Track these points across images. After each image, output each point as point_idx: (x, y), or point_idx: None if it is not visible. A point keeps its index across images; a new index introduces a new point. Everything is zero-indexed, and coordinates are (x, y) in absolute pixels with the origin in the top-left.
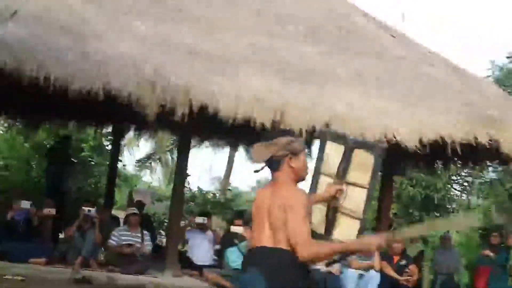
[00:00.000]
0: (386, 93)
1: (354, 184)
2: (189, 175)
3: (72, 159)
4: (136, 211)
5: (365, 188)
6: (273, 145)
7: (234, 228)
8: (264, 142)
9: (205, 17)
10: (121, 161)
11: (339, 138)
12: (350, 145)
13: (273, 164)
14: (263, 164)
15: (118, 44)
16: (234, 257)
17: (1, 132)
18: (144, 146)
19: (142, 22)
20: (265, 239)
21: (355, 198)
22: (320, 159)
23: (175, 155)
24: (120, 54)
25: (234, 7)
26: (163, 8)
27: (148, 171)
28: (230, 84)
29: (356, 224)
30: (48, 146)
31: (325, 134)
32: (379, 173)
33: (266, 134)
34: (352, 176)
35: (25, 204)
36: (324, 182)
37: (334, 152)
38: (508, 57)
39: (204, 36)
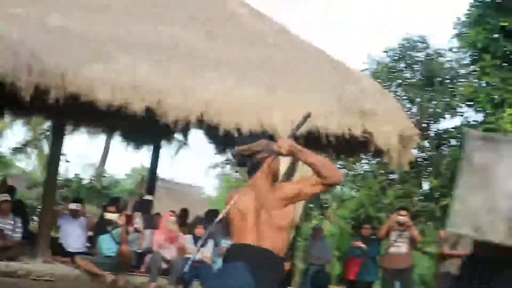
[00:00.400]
0: (261, 82)
1: None
2: (68, 161)
3: None
4: (7, 197)
5: None
6: (257, 146)
7: (108, 215)
8: (244, 144)
9: (81, 1)
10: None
11: None
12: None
13: (253, 165)
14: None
15: None
16: (107, 244)
17: None
18: (19, 131)
19: (19, 4)
20: (250, 238)
21: None
22: None
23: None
24: None
25: None
26: None
27: (23, 156)
28: (107, 69)
29: None
30: None
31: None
32: None
33: (243, 138)
34: None
35: None
36: None
37: None
38: (385, 52)
39: (80, 20)
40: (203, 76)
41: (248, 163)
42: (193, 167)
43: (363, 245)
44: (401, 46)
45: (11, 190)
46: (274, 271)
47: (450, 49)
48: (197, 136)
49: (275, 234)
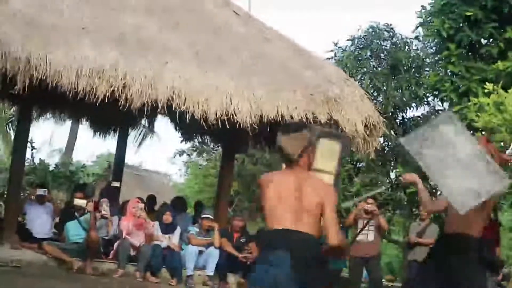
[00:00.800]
0: (225, 70)
1: (321, 171)
2: (35, 148)
3: None
4: None
5: (331, 174)
6: (302, 138)
7: (77, 201)
8: (289, 134)
9: None
10: None
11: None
12: (316, 134)
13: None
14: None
15: None
16: (74, 230)
17: None
18: None
19: None
20: (289, 223)
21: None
22: None
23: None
24: None
25: None
26: None
27: None
28: (71, 55)
29: None
30: None
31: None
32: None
33: (286, 126)
34: (319, 163)
35: None
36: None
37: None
38: (349, 40)
39: (41, 5)
40: (167, 63)
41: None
42: (159, 154)
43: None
44: (366, 34)
45: None
46: (314, 256)
47: (416, 38)
48: (163, 123)
49: (313, 219)
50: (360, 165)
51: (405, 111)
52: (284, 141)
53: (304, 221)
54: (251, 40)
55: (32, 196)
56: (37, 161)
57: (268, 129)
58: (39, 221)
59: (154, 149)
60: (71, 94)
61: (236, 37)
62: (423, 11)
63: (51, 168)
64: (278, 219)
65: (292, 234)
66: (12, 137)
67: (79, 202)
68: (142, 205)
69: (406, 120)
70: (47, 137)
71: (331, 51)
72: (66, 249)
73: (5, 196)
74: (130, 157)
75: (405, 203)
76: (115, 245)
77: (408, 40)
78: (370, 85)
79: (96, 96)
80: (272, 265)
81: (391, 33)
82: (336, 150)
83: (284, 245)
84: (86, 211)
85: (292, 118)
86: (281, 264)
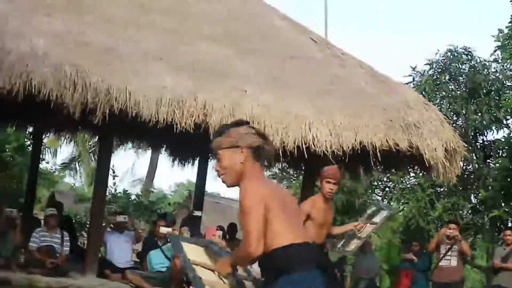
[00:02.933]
0: (303, 96)
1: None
2: (117, 176)
3: None
4: (54, 212)
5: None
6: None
7: (162, 229)
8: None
9: (120, 17)
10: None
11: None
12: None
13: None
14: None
15: (36, 42)
16: (157, 259)
17: None
18: (66, 147)
19: (58, 21)
20: (304, 236)
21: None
22: None
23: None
24: (39, 53)
25: (146, 7)
26: (77, 7)
27: (71, 172)
28: (149, 85)
29: None
30: None
31: None
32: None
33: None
34: None
35: None
36: None
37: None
38: (427, 64)
39: (118, 35)
40: (246, 92)
41: None
42: None
43: (413, 257)
44: (444, 58)
45: (58, 205)
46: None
47: (495, 60)
48: None
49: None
50: (442, 189)
51: (485, 134)
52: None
53: (305, 232)
54: (328, 65)
55: (111, 225)
56: (119, 190)
57: (348, 157)
58: (119, 250)
59: None
60: (151, 124)
61: (313, 63)
62: (500, 34)
63: (132, 198)
64: (294, 232)
65: (314, 248)
66: (93, 167)
67: (165, 230)
68: (220, 233)
69: (487, 143)
70: (129, 166)
71: (409, 75)
72: (149, 277)
73: (87, 226)
74: (210, 186)
75: (487, 227)
76: None
77: (487, 63)
78: (449, 109)
79: (176, 126)
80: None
81: (469, 56)
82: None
83: (315, 261)
84: (169, 239)
85: (371, 144)
86: (318, 283)
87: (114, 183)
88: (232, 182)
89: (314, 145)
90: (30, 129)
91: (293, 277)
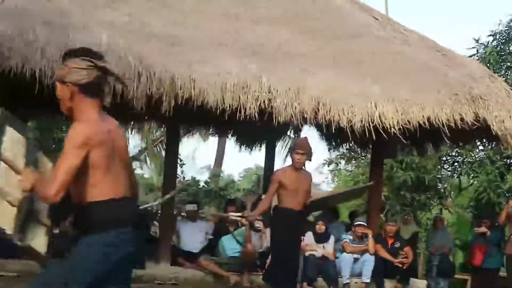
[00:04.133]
0: (367, 75)
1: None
2: (184, 164)
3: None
4: None
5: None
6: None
7: (232, 215)
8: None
9: (180, 5)
10: None
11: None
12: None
13: None
14: None
15: (100, 35)
16: (230, 244)
17: None
18: (133, 139)
19: (120, 12)
20: (128, 188)
21: (12, 181)
22: None
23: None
24: (103, 45)
25: None
26: None
27: (139, 163)
28: (215, 72)
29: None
30: None
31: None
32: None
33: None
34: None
35: None
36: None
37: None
38: (490, 35)
39: (181, 24)
40: (310, 73)
41: None
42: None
43: (485, 230)
44: (507, 28)
45: None
46: None
47: None
48: (309, 132)
49: None
50: (511, 161)
51: None
52: None
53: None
54: (391, 42)
55: (183, 213)
56: (187, 178)
57: (415, 133)
58: (192, 238)
59: None
60: (217, 110)
61: (376, 41)
62: None
63: (201, 185)
64: (116, 185)
65: (132, 204)
66: (162, 157)
67: (234, 215)
68: None
69: None
70: (191, 153)
71: (473, 48)
72: (222, 263)
73: (158, 215)
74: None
75: None
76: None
77: None
78: None
79: (242, 111)
80: None
81: None
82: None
83: (130, 219)
84: (240, 224)
85: (438, 119)
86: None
87: (182, 171)
88: (69, 115)
89: (381, 123)
90: None
91: (101, 237)
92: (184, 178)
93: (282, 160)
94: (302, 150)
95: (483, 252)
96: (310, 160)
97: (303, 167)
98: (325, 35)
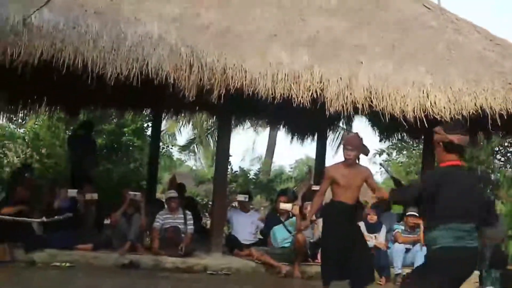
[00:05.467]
0: (420, 64)
1: None
2: (231, 156)
3: (95, 144)
4: (175, 194)
5: None
6: None
7: (282, 205)
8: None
9: None
10: (166, 145)
11: None
12: None
13: None
14: None
15: (151, 26)
16: (281, 234)
17: (43, 120)
18: (185, 130)
19: (172, 4)
20: None
21: None
22: None
23: (216, 137)
24: (155, 37)
25: None
26: None
27: (191, 154)
28: (266, 62)
29: None
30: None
31: None
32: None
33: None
34: None
35: (72, 193)
36: None
37: None
38: None
39: (233, 15)
40: (363, 63)
41: None
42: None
43: None
44: None
45: (181, 187)
46: None
47: None
48: (361, 123)
49: None
50: None
51: None
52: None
53: None
54: (444, 32)
55: (234, 204)
56: (237, 169)
57: (468, 122)
58: (244, 228)
59: None
60: (268, 101)
61: (429, 31)
62: None
63: (251, 176)
64: None
65: None
66: (212, 148)
67: (285, 206)
68: None
69: None
70: (249, 145)
71: None
72: (274, 253)
73: (209, 206)
74: (330, 160)
75: None
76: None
77: None
78: None
79: (293, 101)
80: None
81: None
82: None
83: None
84: (291, 215)
85: (491, 109)
86: None
87: (233, 162)
88: None
89: (433, 112)
90: (149, 112)
91: None
92: (232, 169)
93: (333, 151)
94: (350, 146)
95: None
96: (366, 155)
97: (357, 162)
98: (378, 26)
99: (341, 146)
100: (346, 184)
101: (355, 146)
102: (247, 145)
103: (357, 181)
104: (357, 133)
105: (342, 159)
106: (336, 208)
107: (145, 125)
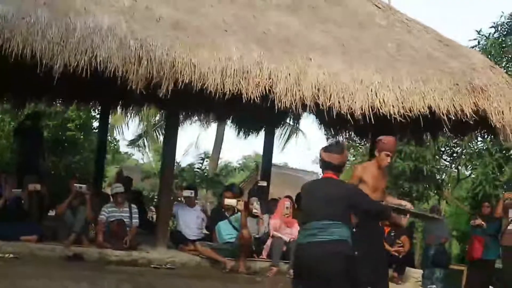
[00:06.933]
0: (370, 63)
1: None
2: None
3: (42, 136)
4: (121, 187)
5: None
6: None
7: (227, 201)
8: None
9: None
10: (115, 139)
11: None
12: None
13: None
14: None
15: (102, 18)
16: (226, 230)
17: None
18: (133, 124)
19: None
20: None
21: None
22: None
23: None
24: (104, 29)
25: None
26: None
27: (138, 149)
28: (216, 57)
29: None
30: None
31: None
32: None
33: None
34: None
35: (17, 192)
36: None
37: None
38: (492, 27)
39: (184, 8)
40: (312, 60)
41: None
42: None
43: (482, 223)
44: (509, 20)
45: (127, 181)
46: None
47: None
48: (309, 120)
49: None
50: (510, 153)
51: None
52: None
53: None
54: (394, 32)
55: (179, 198)
56: (184, 164)
57: (416, 122)
58: (189, 223)
59: (300, 147)
60: (217, 96)
61: (379, 30)
62: None
63: (198, 171)
64: None
65: None
66: (159, 143)
67: (230, 201)
68: (289, 203)
69: None
70: (194, 140)
71: (475, 39)
72: (219, 249)
73: (155, 200)
74: (277, 157)
75: None
76: (268, 243)
77: None
78: None
79: (242, 97)
80: None
81: None
82: None
83: None
84: (236, 210)
85: (438, 109)
86: None
87: (180, 158)
88: None
89: (381, 111)
90: (96, 106)
91: None
92: (179, 164)
93: (280, 147)
94: (390, 151)
95: (482, 244)
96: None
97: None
98: (329, 24)
99: (379, 148)
100: (375, 186)
101: (394, 152)
102: (191, 140)
103: (383, 183)
104: (395, 138)
105: (374, 161)
106: None
107: (92, 119)
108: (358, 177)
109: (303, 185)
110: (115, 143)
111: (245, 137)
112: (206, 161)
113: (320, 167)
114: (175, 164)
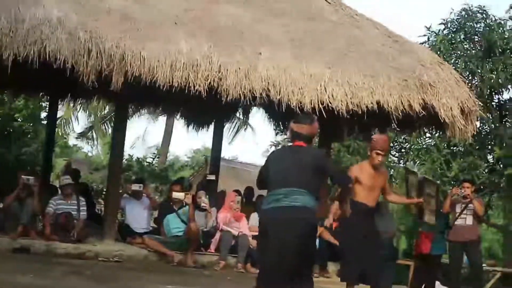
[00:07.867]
0: (320, 58)
1: None
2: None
3: None
4: (69, 180)
5: None
6: None
7: (175, 194)
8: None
9: None
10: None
11: None
12: None
13: None
14: None
15: (52, 9)
16: (174, 223)
17: None
18: (82, 116)
19: None
20: None
21: None
22: None
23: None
24: (54, 20)
25: None
26: None
27: (87, 141)
28: (166, 50)
29: None
30: None
31: None
32: None
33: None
34: None
35: None
36: None
37: None
38: (442, 23)
39: (134, 0)
40: (262, 54)
41: None
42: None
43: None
44: (459, 17)
45: (75, 173)
46: None
47: (511, 18)
48: (258, 115)
49: None
50: (457, 149)
51: (501, 93)
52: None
53: None
54: (344, 27)
55: (128, 192)
56: (133, 157)
57: (364, 117)
58: (137, 216)
59: (248, 141)
60: (165, 89)
61: (330, 25)
62: None
63: (147, 164)
64: None
65: None
66: (108, 136)
67: (177, 195)
68: (239, 198)
69: (503, 102)
70: (141, 133)
71: (424, 35)
72: (166, 242)
73: (103, 193)
74: (226, 151)
75: (504, 185)
76: (216, 236)
77: (502, 21)
78: (465, 69)
79: (191, 90)
80: None
81: (484, 15)
82: None
83: None
84: (184, 203)
85: (387, 104)
86: None
87: (129, 151)
88: None
89: (330, 105)
90: (45, 97)
91: None
92: (130, 157)
93: (229, 140)
94: (383, 151)
95: (430, 239)
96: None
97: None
98: (280, 18)
99: (371, 147)
100: (370, 185)
101: (386, 150)
102: (139, 133)
103: (380, 182)
104: (387, 136)
105: (368, 160)
106: (357, 208)
107: (41, 109)
108: (354, 177)
109: (270, 153)
110: (65, 136)
111: (196, 131)
112: (158, 156)
113: (289, 139)
114: (125, 157)
